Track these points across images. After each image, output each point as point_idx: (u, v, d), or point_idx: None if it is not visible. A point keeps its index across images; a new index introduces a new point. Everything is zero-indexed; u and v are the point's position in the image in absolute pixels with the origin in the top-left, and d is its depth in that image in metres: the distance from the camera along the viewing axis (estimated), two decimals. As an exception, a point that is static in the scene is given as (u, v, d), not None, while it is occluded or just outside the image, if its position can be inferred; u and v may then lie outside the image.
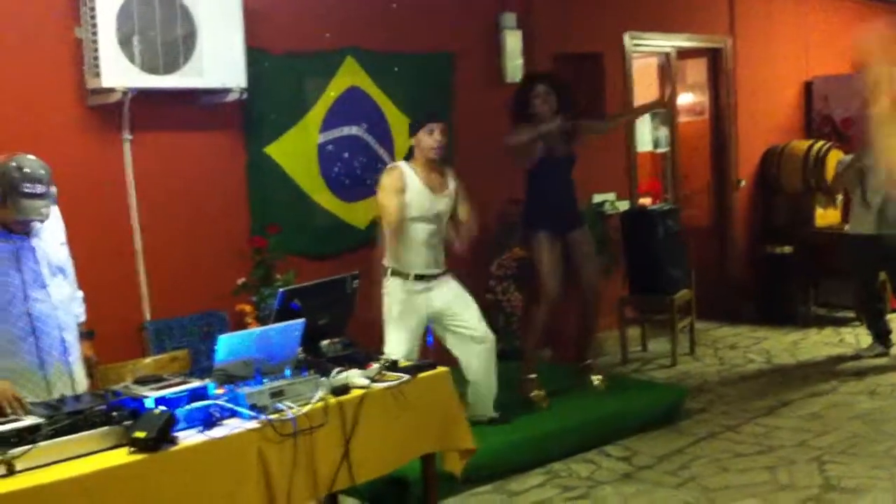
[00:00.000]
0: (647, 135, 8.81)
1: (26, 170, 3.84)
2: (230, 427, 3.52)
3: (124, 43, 5.19)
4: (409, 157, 5.56)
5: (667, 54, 9.00)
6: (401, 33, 6.80)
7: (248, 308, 5.69)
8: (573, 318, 6.66)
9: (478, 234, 5.67)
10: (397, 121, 6.69)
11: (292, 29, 6.23)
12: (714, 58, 9.38)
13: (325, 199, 6.44)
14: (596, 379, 6.55)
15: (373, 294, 5.46)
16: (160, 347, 5.42)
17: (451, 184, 5.58)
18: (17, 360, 3.93)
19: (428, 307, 5.50)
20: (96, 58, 5.15)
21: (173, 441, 3.33)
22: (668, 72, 6.75)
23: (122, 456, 3.23)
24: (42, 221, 3.97)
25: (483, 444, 4.69)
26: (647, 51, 8.85)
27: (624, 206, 8.20)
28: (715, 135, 9.50)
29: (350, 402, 3.91)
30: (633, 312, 8.17)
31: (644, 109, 7.54)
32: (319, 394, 3.83)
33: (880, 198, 7.41)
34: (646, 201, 8.71)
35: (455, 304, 5.57)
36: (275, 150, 6.18)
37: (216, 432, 3.47)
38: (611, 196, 8.12)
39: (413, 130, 5.56)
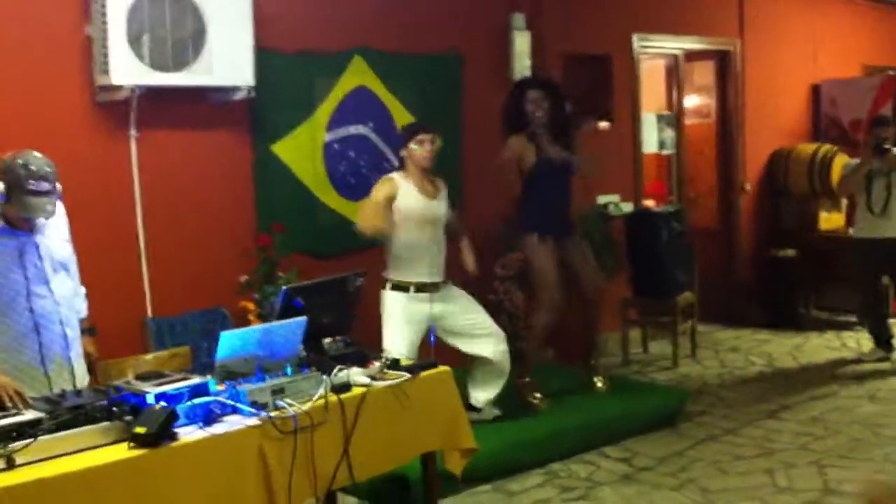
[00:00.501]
0: (653, 136, 8.80)
1: (32, 167, 3.86)
2: (231, 424, 3.55)
3: (134, 40, 5.21)
4: (400, 166, 5.65)
5: (675, 56, 9.01)
6: (409, 33, 6.82)
7: (250, 305, 5.71)
8: (576, 320, 6.66)
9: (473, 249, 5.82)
10: (404, 121, 6.70)
11: (301, 28, 6.25)
12: (722, 60, 9.38)
13: (330, 197, 6.46)
14: (598, 380, 6.57)
15: (376, 293, 5.50)
16: (161, 344, 5.44)
17: (445, 193, 5.69)
18: (18, 356, 3.96)
19: (430, 316, 5.57)
20: (106, 55, 5.17)
21: (174, 437, 3.35)
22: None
23: (122, 451, 3.25)
24: (47, 219, 4.00)
25: (483, 444, 4.70)
26: (655, 52, 8.85)
27: (628, 207, 8.20)
28: (722, 137, 9.50)
29: (351, 400, 3.93)
30: (635, 314, 8.18)
31: None
32: (320, 391, 3.85)
33: (884, 202, 7.42)
34: (650, 203, 8.71)
35: (460, 307, 5.67)
36: (281, 149, 6.21)
37: (217, 429, 3.49)
38: (615, 198, 8.13)
39: (404, 140, 5.63)
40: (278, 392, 3.73)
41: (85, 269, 4.36)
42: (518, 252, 7.00)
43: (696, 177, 9.48)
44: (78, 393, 3.58)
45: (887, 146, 7.48)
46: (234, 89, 5.70)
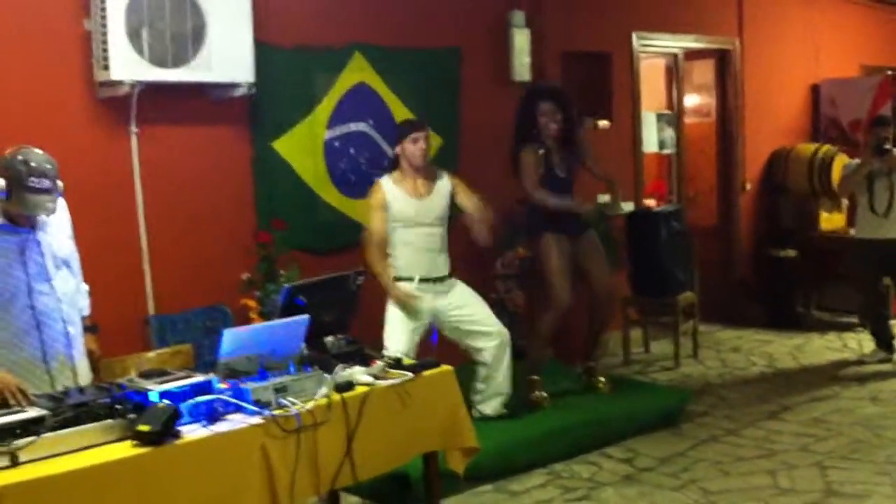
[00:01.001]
0: (653, 136, 8.79)
1: (32, 164, 3.83)
2: (234, 422, 3.54)
3: (133, 36, 5.19)
4: (394, 165, 5.68)
5: (675, 55, 8.99)
6: (410, 30, 6.80)
7: (252, 303, 5.69)
8: (580, 319, 6.65)
9: (493, 221, 5.72)
10: (403, 117, 6.67)
11: (301, 23, 6.23)
12: (722, 59, 9.37)
13: (330, 195, 6.44)
14: (600, 381, 6.55)
15: (378, 291, 5.49)
16: (163, 341, 5.41)
17: (444, 185, 5.67)
18: (20, 353, 3.93)
19: (433, 309, 5.59)
20: (105, 50, 5.14)
21: (177, 435, 3.34)
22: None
23: (125, 449, 3.25)
24: (48, 216, 3.97)
25: (485, 444, 4.68)
26: (654, 51, 8.84)
27: (629, 207, 8.18)
28: (721, 136, 9.48)
29: (353, 399, 3.92)
30: (636, 314, 8.16)
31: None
32: (323, 390, 3.84)
33: (888, 202, 7.41)
34: (651, 202, 8.70)
35: (464, 303, 5.68)
36: (281, 146, 6.18)
37: (220, 427, 3.48)
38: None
39: (397, 139, 5.66)
40: (281, 390, 3.72)
41: (86, 265, 4.33)
42: (518, 251, 7.01)
43: (696, 176, 9.47)
44: (81, 390, 3.56)
45: (888, 146, 7.47)
46: (234, 85, 5.67)
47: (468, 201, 5.67)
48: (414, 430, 4.24)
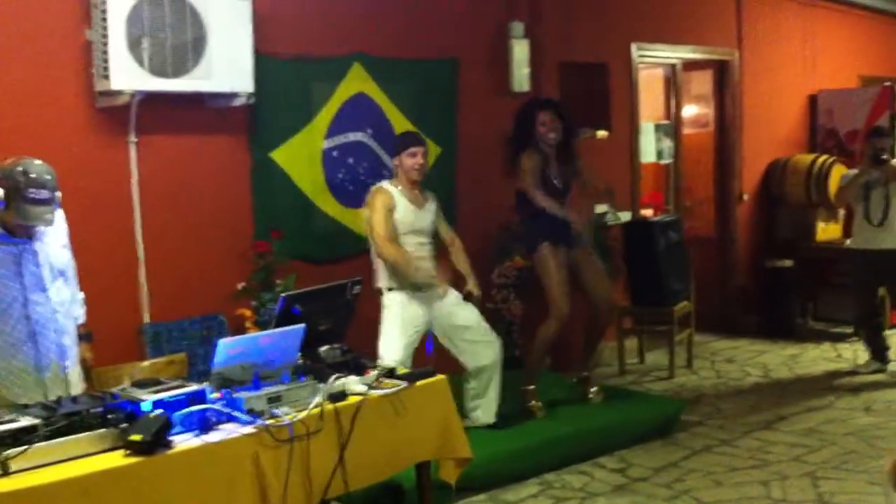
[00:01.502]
0: (651, 146, 8.82)
1: (32, 175, 3.85)
2: (226, 432, 3.56)
3: (134, 45, 5.21)
4: (392, 174, 5.79)
5: (673, 65, 9.02)
6: (409, 41, 6.82)
7: (247, 313, 5.72)
8: (577, 330, 6.67)
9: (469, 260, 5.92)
10: (402, 127, 6.71)
11: (300, 34, 6.25)
12: (720, 70, 9.39)
13: (328, 204, 6.46)
14: (593, 391, 6.57)
15: (374, 300, 5.52)
16: (158, 350, 5.43)
17: (432, 205, 5.79)
18: (13, 363, 3.95)
19: (428, 314, 5.64)
20: (106, 60, 5.17)
21: (169, 445, 3.36)
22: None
23: (117, 458, 3.26)
24: (46, 227, 3.98)
25: (478, 453, 4.70)
26: (653, 62, 8.87)
27: (626, 216, 8.21)
28: (719, 147, 9.51)
29: (347, 408, 3.94)
30: (631, 323, 8.18)
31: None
32: (316, 400, 3.86)
33: (883, 212, 7.44)
34: (648, 212, 8.72)
35: (457, 310, 5.72)
36: (280, 155, 6.20)
37: (212, 437, 3.50)
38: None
39: (395, 152, 5.74)
40: (274, 400, 3.74)
41: (82, 274, 4.36)
42: (515, 260, 7.03)
43: (694, 186, 9.49)
44: (74, 399, 3.57)
45: (885, 157, 7.49)
46: (234, 95, 5.70)
47: (444, 229, 5.88)
48: (407, 440, 4.26)
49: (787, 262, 9.19)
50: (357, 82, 6.58)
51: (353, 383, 4.12)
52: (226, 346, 3.77)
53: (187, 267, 5.73)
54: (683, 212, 9.07)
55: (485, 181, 6.71)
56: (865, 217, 7.57)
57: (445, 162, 7.00)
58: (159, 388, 3.64)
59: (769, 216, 9.77)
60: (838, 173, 8.82)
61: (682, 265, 8.00)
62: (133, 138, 5.51)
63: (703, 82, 9.51)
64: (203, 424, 3.54)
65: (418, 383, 4.33)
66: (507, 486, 5.45)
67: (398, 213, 5.58)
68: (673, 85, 9.11)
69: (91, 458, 3.24)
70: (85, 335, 4.34)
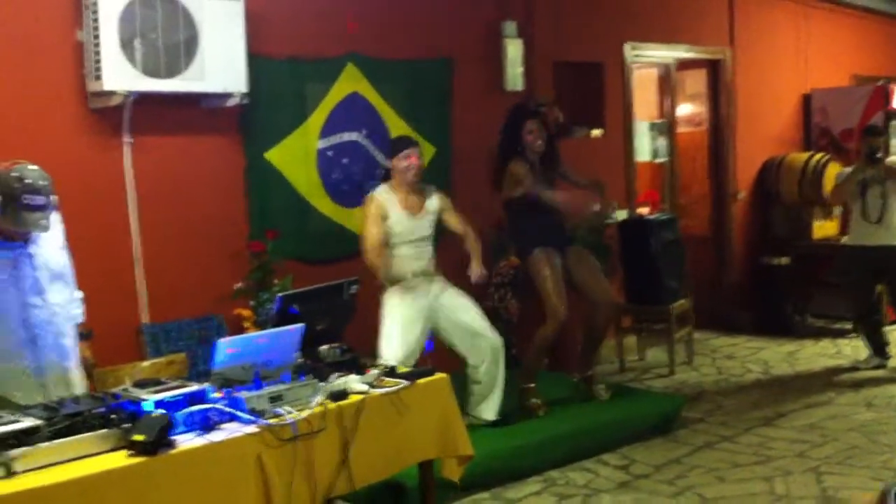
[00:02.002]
0: (646, 145, 8.81)
1: (27, 181, 3.79)
2: (229, 431, 3.54)
3: (126, 46, 5.18)
4: (388, 177, 5.76)
5: (667, 65, 9.02)
6: (402, 40, 6.80)
7: (245, 313, 5.69)
8: (575, 330, 6.64)
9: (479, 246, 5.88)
10: (396, 127, 6.70)
11: (294, 34, 6.23)
12: (714, 69, 9.39)
13: (323, 204, 6.43)
14: (601, 389, 6.54)
15: (370, 299, 5.49)
16: (156, 350, 5.40)
17: (433, 203, 5.75)
18: (14, 366, 3.90)
19: (429, 311, 5.63)
20: (98, 60, 5.14)
21: (171, 444, 3.35)
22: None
23: (120, 459, 3.25)
24: (41, 233, 3.93)
25: (480, 451, 4.69)
26: (647, 61, 8.86)
27: (622, 215, 8.20)
28: (714, 145, 9.51)
29: (349, 407, 3.94)
30: (630, 321, 8.17)
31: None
32: (318, 399, 3.84)
33: (880, 210, 7.44)
34: (644, 211, 8.71)
35: (458, 304, 5.74)
36: (274, 156, 6.17)
37: (215, 436, 3.49)
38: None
39: (390, 154, 5.73)
40: (276, 399, 3.73)
41: (79, 275, 4.30)
42: (510, 259, 7.01)
43: (689, 184, 9.50)
44: (76, 400, 3.55)
45: (880, 155, 7.50)
46: (227, 95, 5.68)
47: (454, 222, 5.80)
48: (409, 438, 4.25)
49: (784, 260, 9.20)
50: (351, 82, 6.56)
51: (354, 382, 4.11)
52: (225, 346, 3.76)
53: (184, 267, 5.71)
54: (679, 210, 9.06)
55: (480, 180, 6.68)
56: (862, 214, 7.57)
57: (440, 161, 6.98)
58: (161, 388, 3.62)
59: (764, 214, 9.78)
60: (833, 172, 8.82)
61: (679, 263, 8.00)
62: (127, 139, 5.48)
63: (696, 81, 9.51)
64: (205, 424, 3.53)
65: (419, 382, 4.33)
66: (510, 484, 5.42)
67: (390, 221, 5.58)
68: (667, 84, 9.10)
69: (94, 459, 3.23)
70: (84, 334, 4.30)
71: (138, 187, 5.54)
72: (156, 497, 3.24)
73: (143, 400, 3.45)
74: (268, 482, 3.55)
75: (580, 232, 7.01)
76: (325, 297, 4.47)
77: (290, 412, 3.68)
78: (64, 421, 3.25)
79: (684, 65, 9.25)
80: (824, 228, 9.52)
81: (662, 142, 8.99)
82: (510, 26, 7.45)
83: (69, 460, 3.17)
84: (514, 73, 7.44)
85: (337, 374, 4.10)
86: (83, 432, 3.26)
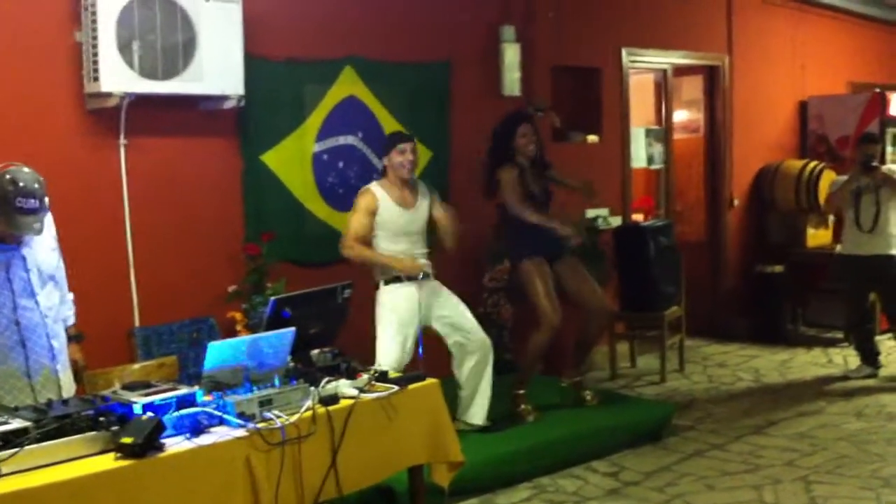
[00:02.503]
0: (641, 151, 8.82)
1: (20, 184, 3.78)
2: (218, 434, 3.54)
3: (124, 48, 5.19)
4: (381, 174, 5.77)
5: (664, 71, 9.03)
6: (400, 44, 6.82)
7: (238, 316, 5.70)
8: (568, 336, 6.65)
9: (461, 230, 5.86)
10: (393, 130, 6.70)
11: (292, 37, 6.24)
12: (710, 75, 9.41)
13: (318, 207, 6.45)
14: (588, 394, 6.56)
15: (364, 304, 5.49)
16: (148, 353, 5.40)
17: (424, 199, 5.75)
18: (4, 367, 3.90)
19: (421, 309, 5.61)
20: (95, 62, 5.15)
21: (160, 447, 3.34)
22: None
23: (108, 461, 3.24)
24: (34, 236, 3.93)
25: (470, 457, 4.69)
26: (644, 67, 8.88)
27: (617, 221, 8.21)
28: (710, 152, 9.52)
29: (339, 412, 3.93)
30: (622, 328, 8.17)
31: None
32: (308, 403, 3.84)
33: (873, 218, 7.45)
34: (639, 217, 8.72)
35: (451, 306, 5.75)
36: (270, 158, 6.18)
37: (203, 440, 3.48)
38: (604, 212, 8.13)
39: (385, 150, 5.72)
40: (266, 403, 3.72)
41: (72, 276, 4.32)
42: (505, 264, 7.01)
43: (685, 191, 9.51)
44: (64, 402, 3.55)
45: (875, 163, 7.51)
46: (224, 98, 5.68)
47: (439, 213, 5.78)
48: (399, 444, 4.25)
49: (778, 268, 9.20)
50: (348, 85, 6.57)
51: (344, 387, 4.11)
52: (216, 349, 3.75)
53: (177, 269, 5.71)
54: (674, 216, 9.08)
55: (476, 185, 6.69)
56: (856, 223, 7.59)
57: (437, 165, 7.00)
58: (150, 390, 3.62)
59: (760, 221, 9.79)
60: (828, 179, 8.85)
61: (673, 270, 7.99)
62: (123, 140, 5.49)
63: (693, 87, 9.52)
64: (194, 427, 3.52)
65: (410, 387, 4.32)
66: (500, 490, 5.43)
67: (383, 215, 5.57)
68: (664, 90, 9.12)
69: (82, 461, 3.22)
70: (75, 336, 4.31)
71: (134, 189, 5.55)
72: (144, 500, 3.24)
73: (133, 402, 3.45)
74: (256, 486, 3.55)
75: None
76: (318, 301, 4.47)
77: (279, 416, 3.68)
78: (52, 423, 3.24)
79: (681, 71, 9.28)
80: (818, 237, 9.54)
81: (658, 148, 8.99)
82: (508, 31, 7.46)
83: (57, 462, 3.16)
84: (512, 78, 7.45)
85: (328, 378, 4.10)
86: (72, 434, 3.25)
